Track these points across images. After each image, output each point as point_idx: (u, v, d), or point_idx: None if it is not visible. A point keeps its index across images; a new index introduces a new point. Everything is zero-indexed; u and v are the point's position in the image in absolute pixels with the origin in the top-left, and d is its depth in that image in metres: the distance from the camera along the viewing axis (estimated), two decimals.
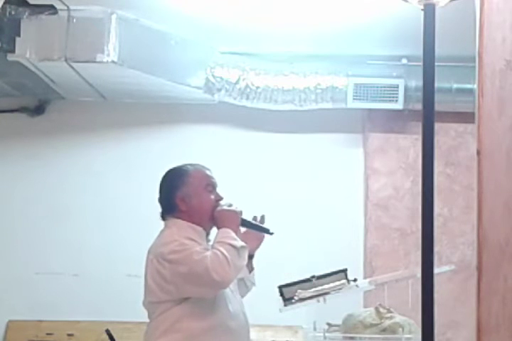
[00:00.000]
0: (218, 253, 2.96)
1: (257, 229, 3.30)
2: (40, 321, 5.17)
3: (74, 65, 4.42)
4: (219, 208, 3.16)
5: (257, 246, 3.36)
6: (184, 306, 3.03)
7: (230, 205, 3.18)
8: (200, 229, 3.14)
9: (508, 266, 2.27)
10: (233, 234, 3.09)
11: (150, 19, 4.50)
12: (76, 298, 5.16)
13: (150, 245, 3.14)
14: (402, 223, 5.18)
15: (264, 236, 3.34)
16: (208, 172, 3.22)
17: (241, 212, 3.19)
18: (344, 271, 3.84)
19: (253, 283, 3.39)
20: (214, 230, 3.21)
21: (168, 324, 3.03)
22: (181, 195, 3.14)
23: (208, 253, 2.98)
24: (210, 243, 3.15)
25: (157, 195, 3.22)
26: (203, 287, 2.98)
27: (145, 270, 3.10)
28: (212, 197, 3.18)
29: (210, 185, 3.19)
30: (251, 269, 3.37)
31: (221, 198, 3.19)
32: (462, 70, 4.86)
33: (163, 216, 3.19)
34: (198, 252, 2.98)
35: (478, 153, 2.44)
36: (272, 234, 3.28)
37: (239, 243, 3.06)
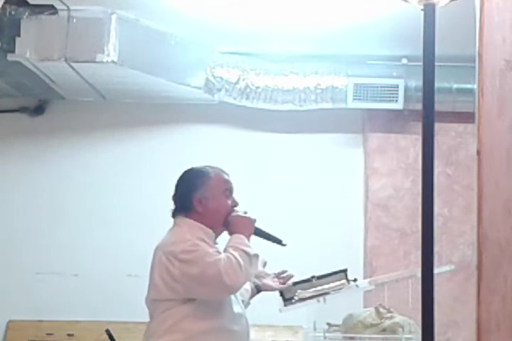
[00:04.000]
0: (232, 257, 2.95)
1: (269, 239, 3.27)
2: (40, 321, 5.17)
3: (74, 65, 4.42)
4: (234, 213, 3.14)
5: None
6: (188, 306, 3.01)
7: (245, 212, 3.16)
8: (210, 231, 3.12)
9: (508, 266, 2.28)
10: (246, 241, 3.08)
11: (150, 19, 4.50)
12: (76, 298, 5.16)
13: (158, 242, 3.09)
14: (402, 223, 5.18)
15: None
16: (226, 176, 3.20)
17: (255, 220, 3.17)
18: (344, 271, 3.83)
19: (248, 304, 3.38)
20: (223, 235, 3.19)
21: (170, 323, 3.01)
22: (199, 196, 3.12)
23: (222, 256, 2.96)
24: (217, 246, 3.14)
25: (172, 192, 3.18)
26: (212, 289, 2.96)
27: (151, 267, 3.06)
28: (229, 202, 3.16)
29: (228, 190, 3.17)
30: (252, 295, 3.35)
31: (237, 204, 3.18)
32: (462, 70, 4.86)
33: (174, 214, 3.18)
34: (211, 254, 2.96)
35: (478, 153, 2.44)
36: (284, 245, 3.26)
37: (252, 250, 3.05)
